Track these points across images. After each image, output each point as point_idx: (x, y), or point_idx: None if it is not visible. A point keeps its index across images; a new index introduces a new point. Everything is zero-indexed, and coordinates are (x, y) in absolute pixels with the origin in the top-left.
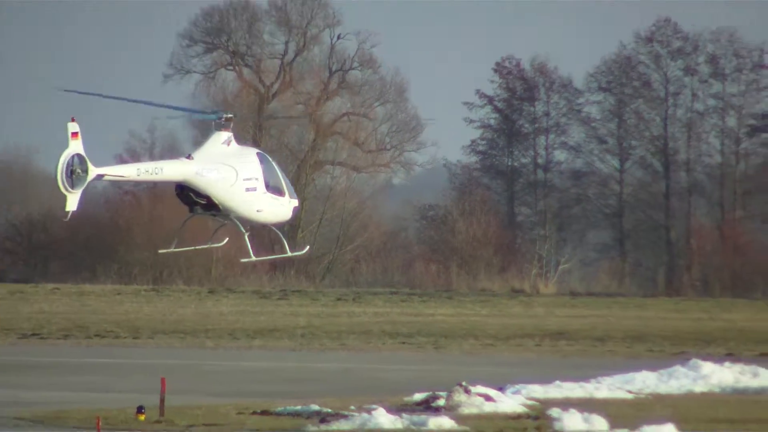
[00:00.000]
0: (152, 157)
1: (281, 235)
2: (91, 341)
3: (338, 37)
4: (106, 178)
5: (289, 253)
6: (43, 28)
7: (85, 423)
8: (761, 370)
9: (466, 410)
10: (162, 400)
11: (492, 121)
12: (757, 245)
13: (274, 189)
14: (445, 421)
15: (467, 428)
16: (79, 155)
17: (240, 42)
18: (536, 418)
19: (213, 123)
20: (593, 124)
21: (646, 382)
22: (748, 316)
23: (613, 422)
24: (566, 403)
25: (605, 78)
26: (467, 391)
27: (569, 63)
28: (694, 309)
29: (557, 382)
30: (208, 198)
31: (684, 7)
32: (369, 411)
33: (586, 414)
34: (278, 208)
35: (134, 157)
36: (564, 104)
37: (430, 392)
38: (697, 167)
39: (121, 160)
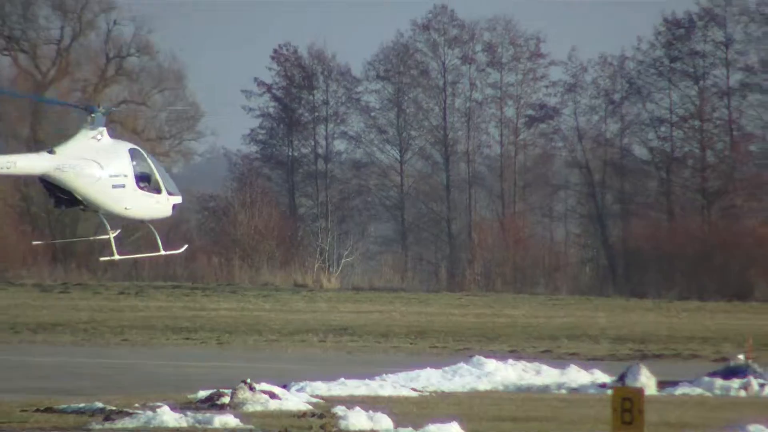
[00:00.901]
0: None
1: (155, 233)
2: None
3: (114, 23)
4: None
5: (162, 252)
6: None
7: None
8: (544, 367)
9: (250, 408)
10: None
11: (271, 110)
12: (538, 239)
13: (147, 186)
14: (230, 419)
15: (252, 426)
16: None
17: (15, 26)
18: (321, 416)
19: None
20: (372, 114)
21: (430, 379)
22: (530, 312)
23: (398, 420)
24: (351, 401)
25: (383, 66)
26: (251, 389)
27: (347, 51)
28: (477, 304)
29: (342, 379)
30: (70, 193)
31: None
32: (153, 409)
33: (371, 412)
34: (152, 205)
35: None
36: (343, 93)
37: (215, 389)
38: (477, 158)
39: None
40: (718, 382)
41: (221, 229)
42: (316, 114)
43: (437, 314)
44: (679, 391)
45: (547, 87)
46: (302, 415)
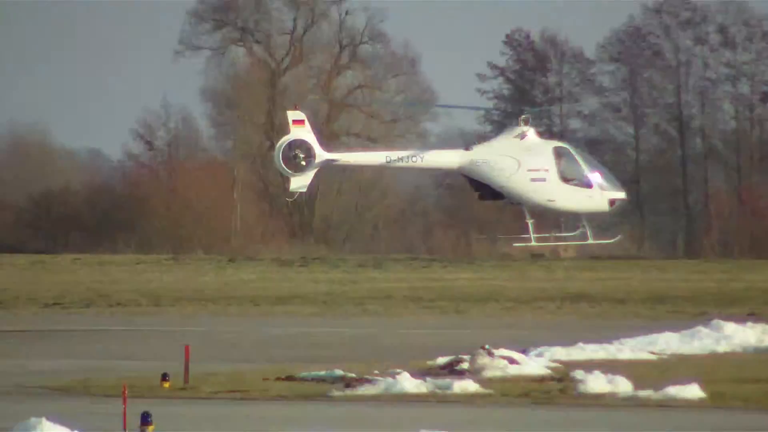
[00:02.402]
0: (167, 131)
1: (585, 224)
2: (113, 310)
3: (346, 13)
4: (340, 162)
5: (591, 240)
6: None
7: (110, 391)
8: None
9: (490, 373)
10: (186, 368)
11: (505, 92)
12: None
13: (574, 180)
14: (470, 385)
15: (491, 391)
16: (301, 140)
17: (248, 18)
18: (560, 380)
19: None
20: (606, 93)
21: (668, 343)
22: None
23: (637, 383)
24: (589, 365)
25: (616, 48)
26: (491, 354)
27: (578, 36)
28: (714, 270)
29: (580, 344)
30: (488, 186)
31: None
32: (393, 375)
33: (610, 375)
34: (582, 199)
35: (149, 130)
36: (576, 74)
37: (454, 356)
38: (712, 133)
39: (137, 134)
40: None
41: (459, 204)
42: (550, 95)
43: (675, 280)
44: None
45: None
46: (541, 379)
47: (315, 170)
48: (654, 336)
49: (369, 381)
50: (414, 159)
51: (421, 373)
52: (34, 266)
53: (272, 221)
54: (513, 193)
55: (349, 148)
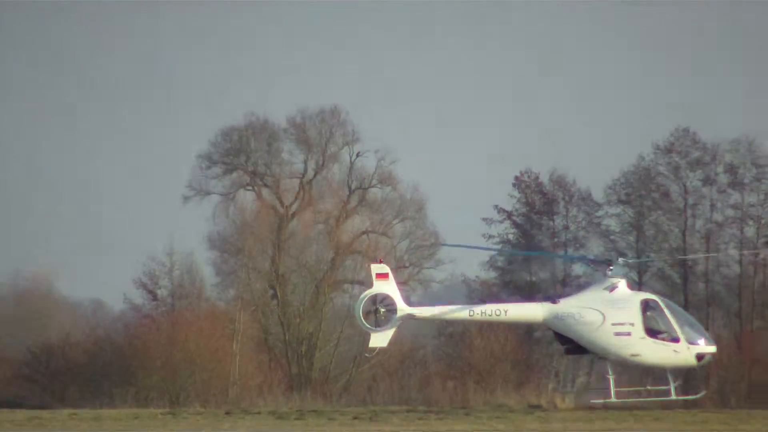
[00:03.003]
0: (171, 281)
1: (670, 379)
2: None
3: (357, 155)
4: (427, 316)
5: (674, 396)
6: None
7: None
8: None
9: None
10: None
11: (511, 236)
12: None
13: (659, 334)
14: None
15: None
16: (384, 295)
17: (259, 162)
18: None
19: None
20: (612, 237)
21: None
22: (763, 428)
23: None
24: None
25: (624, 190)
26: None
27: (587, 175)
28: (712, 421)
29: None
30: (572, 340)
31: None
32: None
33: None
34: (667, 354)
35: (153, 280)
36: (583, 217)
37: None
38: (715, 278)
39: (140, 284)
40: None
41: (457, 353)
42: (556, 239)
43: (671, 431)
44: None
45: None
46: None
47: (396, 326)
48: None
49: None
50: (498, 313)
51: None
52: (30, 422)
53: (271, 372)
54: (597, 348)
55: (352, 295)
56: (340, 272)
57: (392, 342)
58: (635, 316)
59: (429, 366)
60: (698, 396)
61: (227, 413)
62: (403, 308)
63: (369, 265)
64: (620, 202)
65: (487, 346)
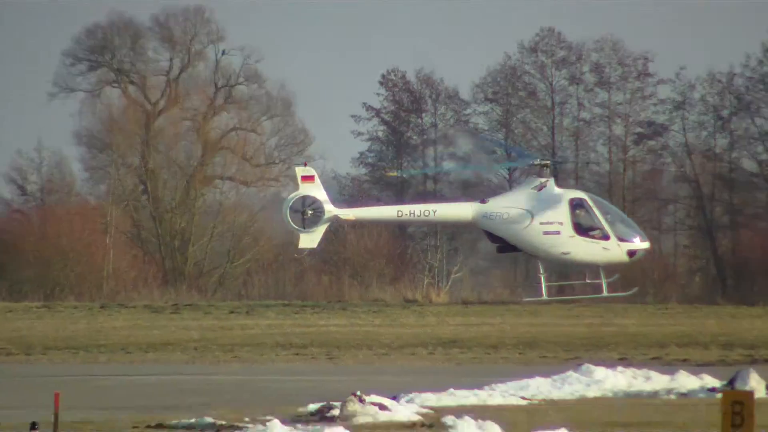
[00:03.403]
0: (41, 176)
1: (602, 276)
2: None
3: (222, 53)
4: (351, 218)
5: (605, 293)
6: None
7: None
8: (653, 374)
9: (360, 420)
10: (56, 416)
11: (380, 134)
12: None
13: (589, 232)
14: (340, 431)
15: None
16: (310, 197)
17: (124, 59)
18: (430, 426)
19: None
20: (481, 135)
21: (539, 388)
22: (639, 321)
23: (507, 428)
24: (460, 411)
25: (491, 89)
26: (361, 401)
27: (454, 74)
28: (586, 315)
29: (451, 389)
30: (503, 239)
31: (567, 16)
32: (263, 422)
33: (480, 421)
34: (595, 251)
35: (21, 175)
36: (451, 115)
37: (325, 402)
38: (585, 175)
39: (9, 180)
40: None
41: (331, 248)
42: (425, 136)
43: (547, 325)
44: None
45: (655, 105)
46: (412, 425)
47: (325, 227)
48: (525, 381)
49: (239, 428)
50: (426, 213)
51: (291, 420)
52: None
53: (145, 267)
54: (526, 246)
55: (223, 191)
56: (210, 168)
57: (321, 242)
58: (564, 215)
59: (304, 261)
60: (631, 292)
61: (102, 307)
62: (330, 210)
63: (294, 168)
64: (488, 100)
65: (360, 242)
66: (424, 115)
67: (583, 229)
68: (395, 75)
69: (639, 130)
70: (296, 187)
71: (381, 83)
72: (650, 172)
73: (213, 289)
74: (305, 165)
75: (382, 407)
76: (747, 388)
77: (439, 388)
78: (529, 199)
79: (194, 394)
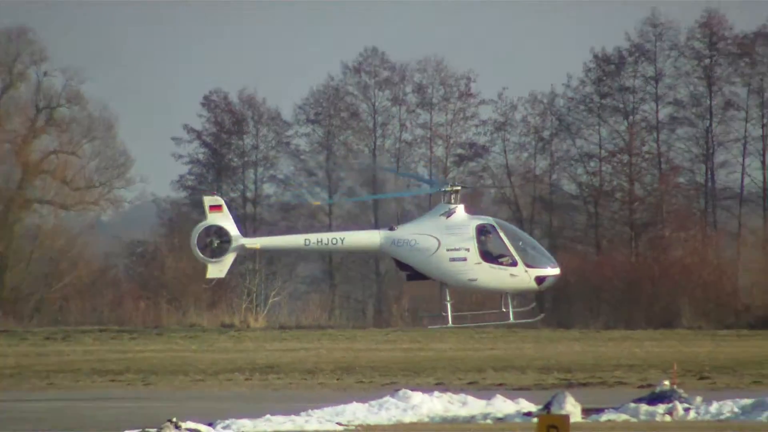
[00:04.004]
0: None
1: (509, 303)
2: None
3: (45, 74)
4: (257, 248)
5: (512, 320)
6: None
7: None
8: (470, 398)
9: None
10: None
11: (200, 156)
12: None
13: (496, 258)
14: None
15: None
16: (218, 227)
17: None
18: None
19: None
20: (302, 157)
21: (356, 413)
22: (456, 345)
23: None
24: None
25: (314, 109)
26: (177, 427)
27: (278, 96)
28: (403, 339)
29: (267, 416)
30: (410, 267)
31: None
32: None
33: None
34: (502, 278)
35: None
36: (273, 137)
37: (141, 429)
38: (407, 198)
39: None
40: (644, 407)
41: (149, 273)
42: (246, 159)
43: (364, 350)
44: (605, 417)
45: (477, 126)
46: None
47: (233, 256)
48: (342, 406)
49: None
50: (335, 241)
51: None
52: None
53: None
54: (434, 273)
55: (42, 214)
56: (30, 192)
57: (229, 270)
58: (470, 241)
59: (121, 286)
60: (537, 318)
61: None
62: (237, 238)
63: (203, 198)
64: (309, 121)
65: (179, 266)
66: (245, 136)
67: (489, 255)
68: (217, 96)
69: (460, 151)
70: (204, 217)
71: (203, 104)
72: (470, 194)
73: (30, 314)
74: (213, 194)
75: None
76: (563, 412)
77: (255, 414)
78: (436, 226)
79: (12, 422)
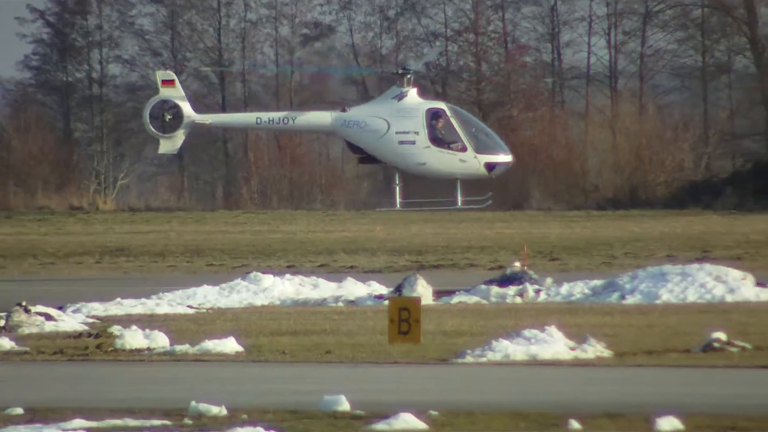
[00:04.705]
0: None
1: (458, 188)
2: None
3: None
4: (209, 124)
5: (459, 205)
6: None
7: None
8: (321, 281)
9: (26, 330)
10: None
11: (44, 36)
12: (315, 156)
13: (446, 143)
14: (5, 342)
15: (28, 348)
16: (170, 102)
17: None
18: (97, 335)
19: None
20: (147, 37)
21: (207, 296)
22: (307, 228)
23: (175, 338)
24: (128, 320)
25: None
26: (27, 311)
27: None
28: (253, 222)
29: (118, 299)
30: (361, 148)
31: None
32: None
33: (147, 330)
34: (451, 163)
35: None
36: (117, 17)
37: None
38: (252, 78)
39: None
40: (494, 289)
41: None
42: (90, 39)
43: (214, 232)
44: (456, 299)
45: (321, 5)
46: (78, 335)
47: (185, 132)
48: (192, 289)
49: None
50: (286, 120)
51: None
52: None
53: None
54: (383, 156)
55: None
56: None
57: (182, 147)
58: (419, 125)
59: None
60: (485, 204)
61: None
62: (189, 114)
63: (155, 72)
64: (153, 1)
65: (25, 148)
66: (89, 16)
67: (439, 140)
68: None
69: (305, 31)
70: (156, 92)
71: None
72: (317, 74)
73: None
74: (166, 69)
75: (49, 317)
76: (414, 294)
77: (106, 297)
78: (387, 109)
79: None
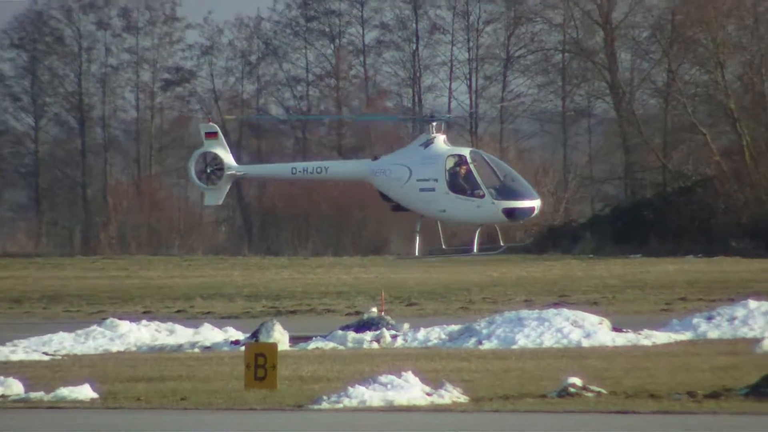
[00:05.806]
0: None
1: (476, 235)
2: None
3: None
4: (247, 176)
5: (476, 252)
6: None
7: None
8: (177, 327)
9: None
10: None
11: None
12: (174, 201)
13: (464, 190)
14: None
15: None
16: (212, 153)
17: None
18: None
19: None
20: (7, 82)
21: (62, 343)
22: (164, 273)
23: (30, 385)
24: None
25: (17, 34)
26: None
27: None
28: (111, 267)
29: None
30: (389, 197)
31: None
32: None
33: (2, 377)
34: (472, 209)
35: None
36: None
37: None
38: (113, 123)
39: None
40: (351, 335)
41: None
42: None
43: (71, 278)
44: (312, 345)
45: (183, 50)
46: None
47: (228, 184)
48: (48, 336)
49: None
50: (319, 170)
51: None
52: None
53: None
54: (407, 203)
55: None
56: None
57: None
58: (440, 172)
59: None
60: (500, 251)
61: None
62: (230, 166)
63: (199, 125)
64: (14, 46)
65: None
66: None
67: (458, 186)
68: None
69: (167, 76)
70: (200, 144)
71: None
72: (178, 119)
73: None
74: (209, 122)
75: None
76: (270, 340)
77: None
78: (412, 156)
79: None
